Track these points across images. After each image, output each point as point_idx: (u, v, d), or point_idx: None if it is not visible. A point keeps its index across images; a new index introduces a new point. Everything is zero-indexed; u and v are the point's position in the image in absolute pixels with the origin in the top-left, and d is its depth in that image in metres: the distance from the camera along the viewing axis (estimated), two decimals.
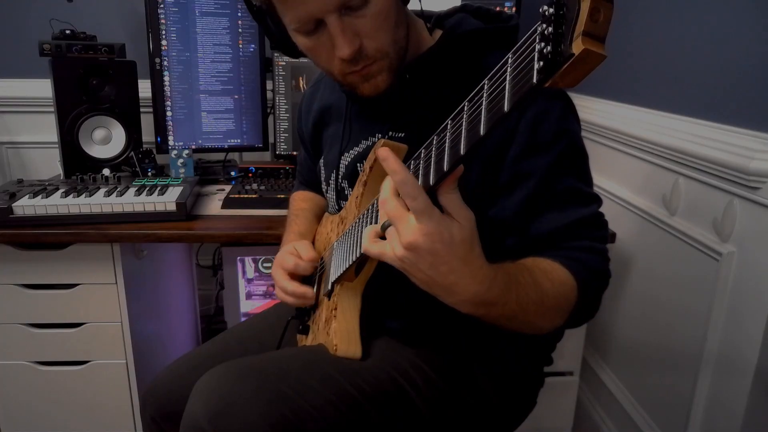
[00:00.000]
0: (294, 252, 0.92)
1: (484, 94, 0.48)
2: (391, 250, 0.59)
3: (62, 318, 1.32)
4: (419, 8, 0.82)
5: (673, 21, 1.24)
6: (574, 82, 0.41)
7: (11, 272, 1.28)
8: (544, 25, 0.40)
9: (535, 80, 0.41)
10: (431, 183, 0.57)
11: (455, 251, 0.56)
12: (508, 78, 0.44)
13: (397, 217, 0.57)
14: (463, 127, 0.51)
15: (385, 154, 0.57)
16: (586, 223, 0.74)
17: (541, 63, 0.40)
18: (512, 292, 0.62)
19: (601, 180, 1.50)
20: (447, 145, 0.54)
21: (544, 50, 0.40)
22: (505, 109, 0.45)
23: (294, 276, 0.91)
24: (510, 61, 0.45)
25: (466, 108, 0.51)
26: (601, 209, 0.78)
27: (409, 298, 0.86)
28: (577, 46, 0.38)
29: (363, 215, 0.75)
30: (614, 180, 1.46)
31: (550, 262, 0.71)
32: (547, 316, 0.68)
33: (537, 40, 0.41)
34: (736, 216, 1.01)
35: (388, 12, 0.71)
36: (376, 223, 0.69)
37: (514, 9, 1.69)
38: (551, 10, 0.39)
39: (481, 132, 0.48)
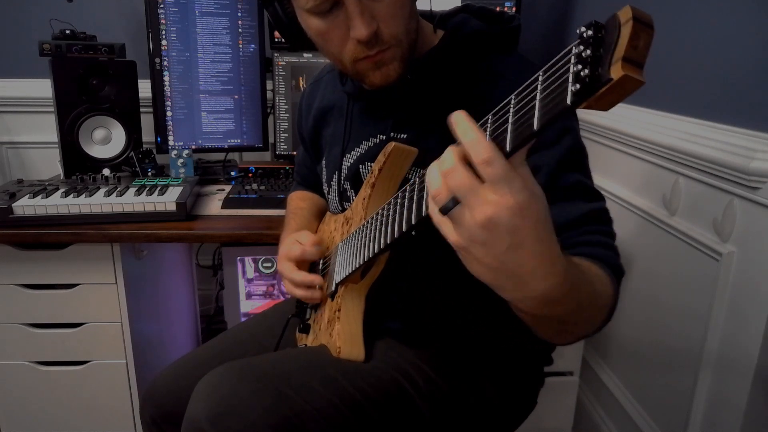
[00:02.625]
0: (297, 242, 0.92)
1: (511, 110, 0.47)
2: (455, 233, 0.48)
3: (62, 318, 1.32)
4: (426, 9, 0.82)
5: (673, 21, 1.24)
6: (608, 106, 0.40)
7: (11, 272, 1.28)
8: (582, 47, 0.39)
9: (569, 102, 0.40)
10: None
11: (539, 231, 0.47)
12: (538, 96, 0.44)
13: (468, 188, 0.46)
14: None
15: (458, 118, 0.48)
16: (595, 217, 0.72)
17: (577, 86, 0.39)
18: (575, 290, 0.54)
19: (601, 180, 1.50)
20: None
21: (581, 73, 0.39)
22: (535, 127, 0.43)
23: (301, 267, 0.91)
24: (540, 79, 0.44)
25: (489, 121, 0.49)
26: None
27: (409, 299, 0.86)
28: (616, 72, 0.37)
29: (372, 218, 0.74)
30: (614, 180, 1.46)
31: (579, 258, 0.62)
32: (592, 318, 0.61)
33: (573, 62, 0.40)
34: (736, 216, 1.01)
35: (404, 0, 0.72)
36: (385, 228, 0.68)
37: (514, 9, 1.69)
38: (590, 32, 0.39)
39: (507, 148, 0.46)
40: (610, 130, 1.45)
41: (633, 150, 1.35)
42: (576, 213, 0.70)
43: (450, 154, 0.48)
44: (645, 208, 1.30)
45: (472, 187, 0.45)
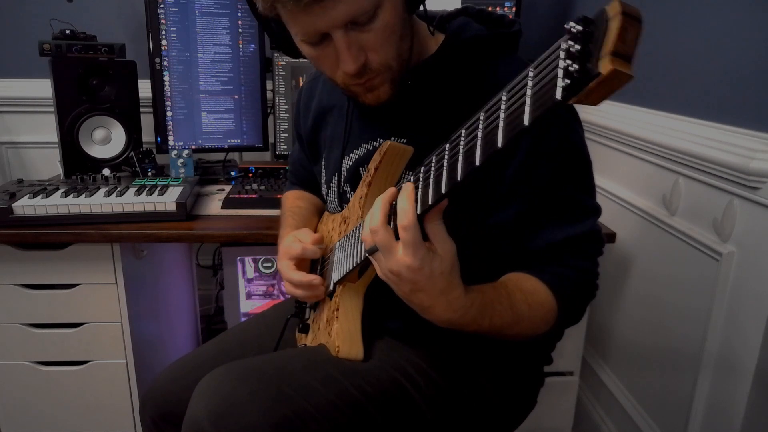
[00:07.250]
0: (297, 239, 0.91)
1: (502, 106, 0.47)
2: (377, 267, 0.66)
3: (62, 318, 1.32)
4: (423, 10, 0.82)
5: (673, 21, 1.24)
6: (597, 101, 0.40)
7: (11, 272, 1.28)
8: (571, 42, 0.39)
9: (558, 97, 0.40)
10: (443, 191, 0.56)
11: (434, 283, 0.62)
12: (528, 92, 0.44)
13: (386, 246, 0.62)
14: (479, 138, 0.51)
15: (405, 187, 0.61)
16: (580, 240, 0.76)
17: (567, 81, 0.39)
18: (486, 318, 0.68)
19: (602, 180, 1.50)
20: (461, 154, 0.53)
21: (570, 68, 0.39)
22: (526, 123, 0.44)
23: (301, 265, 0.90)
24: (531, 74, 0.44)
25: (481, 118, 0.51)
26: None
27: None
28: (605, 66, 0.37)
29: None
30: (614, 180, 1.46)
31: (534, 281, 0.74)
32: (520, 334, 0.74)
33: (562, 57, 0.40)
34: (736, 216, 1.01)
35: (394, 26, 0.71)
36: None
37: (513, 9, 1.69)
38: (579, 27, 0.39)
39: (499, 144, 0.47)
40: (610, 130, 1.45)
41: (633, 150, 1.35)
42: (559, 237, 0.75)
43: (378, 214, 0.62)
44: (645, 208, 1.30)
45: (389, 246, 0.62)
